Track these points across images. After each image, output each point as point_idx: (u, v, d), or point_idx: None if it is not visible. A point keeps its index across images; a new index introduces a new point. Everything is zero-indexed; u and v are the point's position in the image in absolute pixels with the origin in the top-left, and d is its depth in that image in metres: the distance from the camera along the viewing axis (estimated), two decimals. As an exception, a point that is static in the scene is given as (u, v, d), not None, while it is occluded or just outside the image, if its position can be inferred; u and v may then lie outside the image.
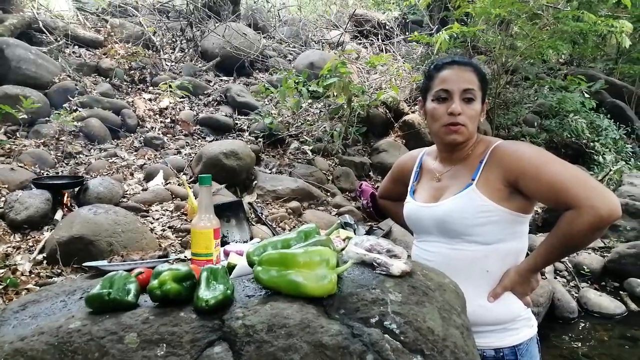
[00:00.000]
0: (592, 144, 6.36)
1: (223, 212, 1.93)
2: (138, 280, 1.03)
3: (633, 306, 3.46)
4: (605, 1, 5.69)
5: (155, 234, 3.10)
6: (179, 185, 3.69)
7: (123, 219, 2.81)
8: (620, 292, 3.68)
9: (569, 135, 6.25)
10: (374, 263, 1.06)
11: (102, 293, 0.93)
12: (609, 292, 3.66)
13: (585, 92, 6.67)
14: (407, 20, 8.94)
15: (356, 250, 1.10)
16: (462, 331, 0.98)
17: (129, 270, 1.13)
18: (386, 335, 0.88)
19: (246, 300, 0.96)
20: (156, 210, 3.39)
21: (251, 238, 2.04)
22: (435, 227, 1.46)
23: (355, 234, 3.79)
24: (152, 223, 3.24)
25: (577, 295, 3.56)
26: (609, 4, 5.69)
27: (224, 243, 1.76)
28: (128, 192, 3.59)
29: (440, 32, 4.92)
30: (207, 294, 0.93)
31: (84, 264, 1.45)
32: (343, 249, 1.12)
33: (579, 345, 3.10)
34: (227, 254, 1.40)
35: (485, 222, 1.36)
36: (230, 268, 1.26)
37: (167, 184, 3.78)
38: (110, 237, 2.66)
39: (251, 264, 1.05)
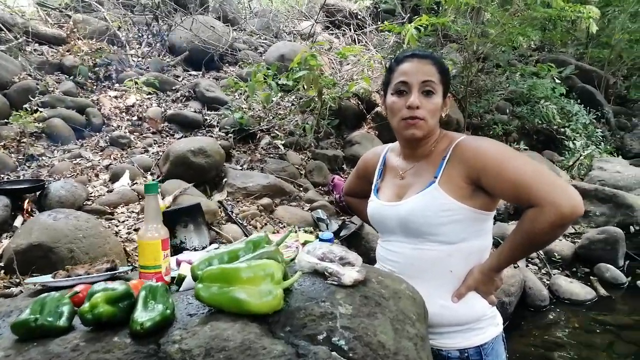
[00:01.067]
0: (562, 129, 6.42)
1: (180, 217, 1.87)
2: (74, 301, 0.96)
3: (603, 291, 3.50)
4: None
5: (120, 237, 3.00)
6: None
7: (85, 223, 2.71)
8: (591, 277, 3.72)
9: (540, 122, 6.29)
10: (326, 273, 1.02)
11: (29, 319, 0.86)
12: (579, 278, 3.69)
13: (556, 77, 6.72)
14: (379, 10, 8.88)
15: (308, 259, 1.05)
16: (416, 342, 0.94)
17: (73, 286, 1.06)
18: (334, 353, 0.83)
19: (187, 320, 0.91)
20: (122, 213, 3.29)
21: (211, 243, 1.98)
22: (399, 226, 1.42)
23: (327, 228, 3.77)
24: (117, 226, 3.14)
25: (548, 282, 3.58)
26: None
27: (181, 250, 1.71)
28: (93, 195, 3.48)
29: (409, 25, 4.88)
30: (144, 315, 0.87)
31: (25, 281, 1.37)
32: (293, 259, 1.07)
33: (551, 333, 3.11)
34: (179, 264, 1.34)
35: (448, 221, 1.33)
36: (181, 280, 1.20)
37: (133, 184, 3.67)
38: (71, 243, 2.56)
39: (195, 278, 1.00)
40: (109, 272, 1.27)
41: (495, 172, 1.26)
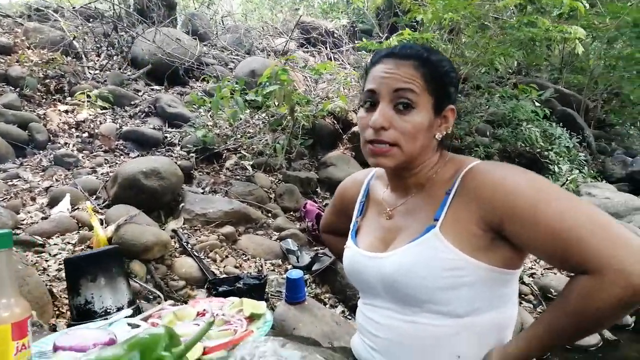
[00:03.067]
0: (546, 152, 6.17)
1: (85, 267, 1.42)
2: None
3: (608, 334, 3.12)
4: (558, 6, 5.51)
5: (48, 275, 2.52)
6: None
7: None
8: (591, 317, 3.33)
9: (522, 144, 6.05)
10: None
11: None
12: (579, 319, 3.31)
13: (536, 100, 6.54)
14: (356, 29, 8.66)
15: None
16: None
17: None
18: None
19: None
20: (55, 244, 2.80)
21: (132, 302, 1.52)
22: (383, 288, 1.01)
23: (298, 261, 3.33)
24: (46, 261, 2.65)
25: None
26: (565, 10, 5.52)
27: (86, 313, 1.25)
28: (25, 221, 2.99)
29: (390, 39, 4.59)
30: None
31: None
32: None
33: (553, 384, 2.72)
34: (55, 350, 0.88)
35: (453, 284, 0.91)
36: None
37: (74, 209, 3.20)
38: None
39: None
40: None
41: (530, 219, 0.85)
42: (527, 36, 5.20)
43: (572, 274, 0.85)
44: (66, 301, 2.27)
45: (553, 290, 3.41)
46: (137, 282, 2.56)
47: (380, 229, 1.09)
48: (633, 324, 3.28)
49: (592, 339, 3.04)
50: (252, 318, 0.96)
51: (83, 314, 1.64)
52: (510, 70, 8.97)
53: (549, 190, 0.87)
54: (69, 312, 2.24)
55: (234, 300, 0.99)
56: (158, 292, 2.62)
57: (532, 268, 3.72)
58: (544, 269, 3.68)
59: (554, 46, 8.52)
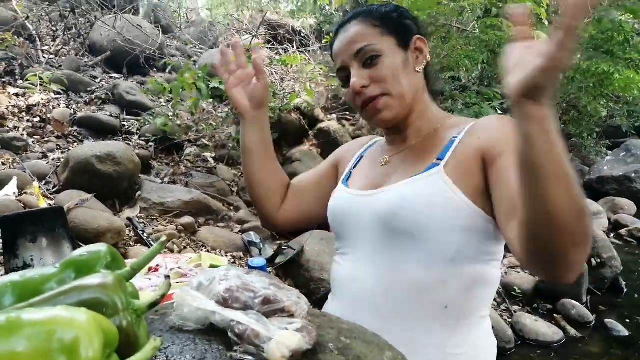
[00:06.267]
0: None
1: (24, 226, 1.27)
2: None
3: (573, 332, 3.13)
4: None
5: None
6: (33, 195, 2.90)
7: None
8: (555, 314, 3.35)
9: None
10: (232, 333, 0.49)
11: None
12: (542, 316, 3.31)
13: (498, 108, 6.66)
14: (323, 29, 8.62)
15: (196, 301, 0.52)
16: None
17: None
18: None
19: None
20: (-3, 229, 2.58)
21: None
22: (374, 224, 0.94)
23: (260, 254, 3.21)
24: (-15, 246, 2.44)
25: (510, 320, 3.18)
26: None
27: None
28: (-37, 206, 2.75)
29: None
30: None
31: None
32: (159, 300, 0.51)
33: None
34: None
35: (450, 226, 0.87)
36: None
37: (21, 194, 2.97)
38: None
39: None
40: None
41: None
42: (492, 39, 5.26)
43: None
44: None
45: (517, 288, 3.41)
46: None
47: (375, 173, 1.04)
48: (594, 321, 3.32)
49: (556, 335, 3.04)
50: (209, 269, 0.85)
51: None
52: (472, 81, 9.16)
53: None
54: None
55: (191, 256, 0.88)
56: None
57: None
58: (507, 268, 3.68)
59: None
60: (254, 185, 1.15)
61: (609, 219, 5.55)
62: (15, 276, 0.50)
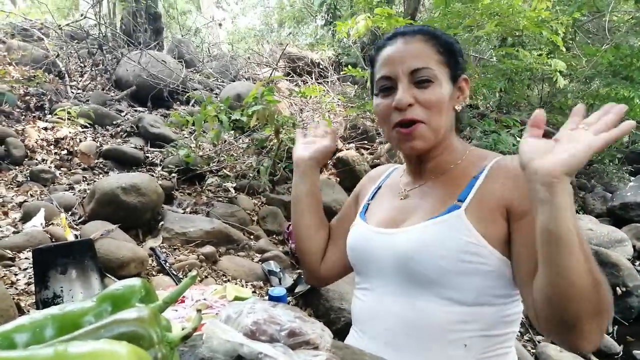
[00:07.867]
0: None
1: (55, 258, 1.32)
2: None
3: (598, 364, 3.06)
4: (537, 46, 5.68)
5: (16, 288, 2.37)
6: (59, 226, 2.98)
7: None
8: (579, 344, 3.26)
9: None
10: None
11: None
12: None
13: (517, 135, 6.64)
14: (341, 62, 8.78)
15: (225, 334, 0.55)
16: None
17: None
18: None
19: None
20: (26, 258, 2.66)
21: None
22: (394, 265, 0.94)
23: (280, 283, 3.23)
24: (15, 275, 2.51)
25: (534, 351, 3.11)
26: (544, 52, 5.68)
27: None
28: (-6, 236, 2.85)
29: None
30: None
31: None
32: (191, 333, 0.54)
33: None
34: None
35: (469, 270, 0.86)
36: None
37: (48, 224, 3.06)
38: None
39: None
40: None
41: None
42: (509, 67, 5.31)
43: None
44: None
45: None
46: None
47: (393, 208, 1.03)
48: (621, 352, 3.22)
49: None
50: (231, 302, 0.88)
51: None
52: (490, 108, 9.18)
53: None
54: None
55: (216, 287, 0.91)
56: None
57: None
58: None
59: (533, 86, 8.74)
60: (299, 239, 1.18)
61: (634, 247, 5.42)
62: (54, 309, 0.54)
